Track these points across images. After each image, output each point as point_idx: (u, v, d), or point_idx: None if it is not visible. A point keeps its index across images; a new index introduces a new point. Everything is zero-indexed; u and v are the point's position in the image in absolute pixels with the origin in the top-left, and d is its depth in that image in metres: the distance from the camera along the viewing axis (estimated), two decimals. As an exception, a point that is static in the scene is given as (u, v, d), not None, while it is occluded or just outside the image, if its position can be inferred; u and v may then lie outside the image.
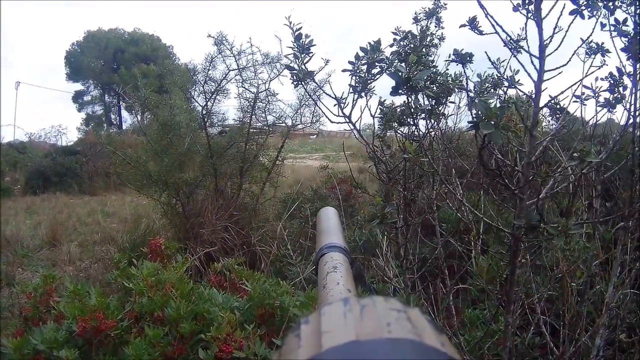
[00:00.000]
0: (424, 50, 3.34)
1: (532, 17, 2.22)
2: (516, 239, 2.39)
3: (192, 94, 7.74)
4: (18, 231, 10.70)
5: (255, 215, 7.50)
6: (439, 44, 4.48)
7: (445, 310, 3.58)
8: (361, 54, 2.67)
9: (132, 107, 43.64)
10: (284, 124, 7.94)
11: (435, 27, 4.48)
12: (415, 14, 4.39)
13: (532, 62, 2.29)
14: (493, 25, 2.33)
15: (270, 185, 8.01)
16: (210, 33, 7.13)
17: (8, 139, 29.06)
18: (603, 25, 2.66)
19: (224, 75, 7.42)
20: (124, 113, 47.64)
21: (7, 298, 6.36)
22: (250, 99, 7.59)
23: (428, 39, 4.13)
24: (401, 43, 3.23)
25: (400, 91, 2.43)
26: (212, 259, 5.71)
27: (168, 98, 7.76)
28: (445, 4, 4.45)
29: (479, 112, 1.82)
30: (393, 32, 3.26)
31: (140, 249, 4.65)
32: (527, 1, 2.23)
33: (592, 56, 2.97)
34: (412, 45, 3.19)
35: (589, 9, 2.27)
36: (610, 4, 2.57)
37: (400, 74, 2.31)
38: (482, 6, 2.26)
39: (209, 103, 7.54)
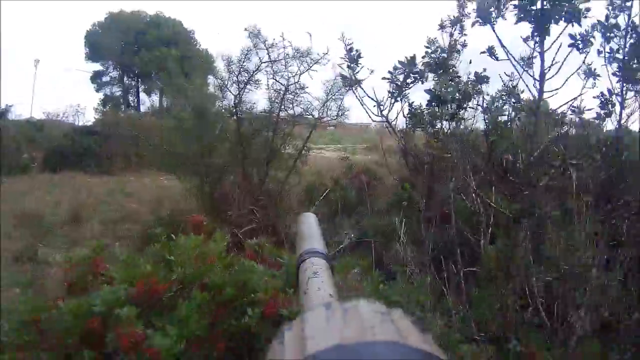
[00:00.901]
0: (450, 62, 3.79)
1: (537, 50, 2.71)
2: (515, 220, 2.87)
3: (226, 83, 8.07)
4: (38, 207, 11.15)
5: (280, 200, 7.95)
6: (462, 50, 4.92)
7: (457, 288, 4.04)
8: (398, 66, 3.17)
9: (151, 89, 43.45)
10: (310, 116, 8.33)
11: (459, 34, 4.92)
12: (441, 21, 4.82)
13: (534, 85, 2.78)
14: (506, 53, 2.82)
15: (295, 174, 8.37)
16: (246, 27, 7.54)
17: (25, 116, 29.29)
18: (599, 52, 3.16)
19: (256, 67, 7.82)
20: (142, 95, 47.95)
21: (32, 271, 6.77)
22: (280, 90, 7.99)
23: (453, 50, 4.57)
24: (432, 55, 3.70)
25: (433, 103, 2.93)
26: (239, 240, 6.15)
27: (199, 84, 8.23)
28: (469, 13, 4.88)
29: (489, 126, 2.30)
30: (425, 46, 3.72)
31: (172, 226, 5.08)
32: (534, 35, 2.71)
33: (586, 79, 3.48)
34: (440, 57, 3.66)
35: (583, 44, 2.76)
36: (608, 34, 3.07)
37: (434, 90, 2.81)
38: (498, 38, 2.76)
39: (241, 92, 7.94)
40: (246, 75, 7.85)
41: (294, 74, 7.88)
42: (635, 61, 3.37)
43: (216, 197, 7.40)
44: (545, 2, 3.19)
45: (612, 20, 3.37)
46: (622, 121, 3.59)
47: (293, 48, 7.66)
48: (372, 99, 3.47)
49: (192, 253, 3.71)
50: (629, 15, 3.47)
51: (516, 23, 3.28)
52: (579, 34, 3.00)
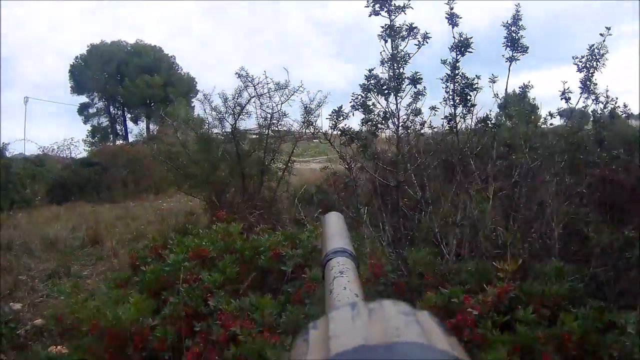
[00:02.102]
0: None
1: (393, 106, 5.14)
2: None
3: (224, 115, 10.52)
4: (57, 234, 12.60)
5: (274, 204, 10.22)
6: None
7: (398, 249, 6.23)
8: (332, 113, 5.51)
9: (138, 117, 44.63)
10: (292, 135, 10.69)
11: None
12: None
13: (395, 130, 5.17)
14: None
15: (283, 183, 10.67)
16: (237, 71, 10.02)
17: (19, 152, 29.86)
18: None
19: (247, 101, 10.23)
20: (129, 123, 49.58)
21: (69, 284, 8.68)
22: (267, 118, 10.35)
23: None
24: (355, 101, 6.02)
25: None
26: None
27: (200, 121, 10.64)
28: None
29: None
30: (351, 95, 6.02)
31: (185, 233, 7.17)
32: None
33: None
34: (360, 101, 5.98)
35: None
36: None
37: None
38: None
39: (236, 121, 10.33)
40: (239, 108, 10.16)
41: (276, 104, 10.18)
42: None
43: (222, 207, 9.53)
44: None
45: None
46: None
47: (274, 83, 10.03)
48: (323, 132, 5.95)
49: (220, 234, 5.92)
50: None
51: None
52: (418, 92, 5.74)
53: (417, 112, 6.15)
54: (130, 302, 4.67)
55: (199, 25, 79.97)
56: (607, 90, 6.87)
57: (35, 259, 10.87)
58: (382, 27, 6.11)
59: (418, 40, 6.05)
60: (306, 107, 9.13)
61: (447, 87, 6.10)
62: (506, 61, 6.33)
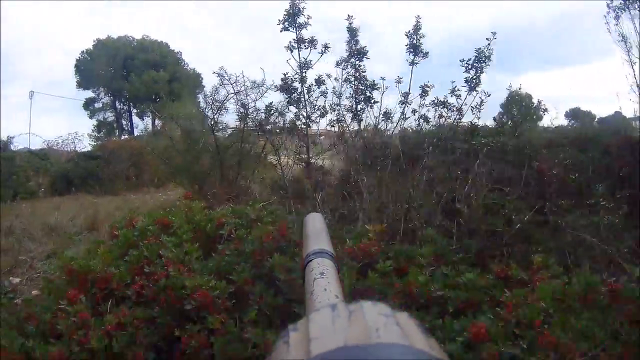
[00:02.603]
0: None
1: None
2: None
3: (205, 110, 11.92)
4: (57, 221, 13.92)
5: (247, 191, 11.43)
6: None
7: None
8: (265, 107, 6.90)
9: (143, 112, 45.27)
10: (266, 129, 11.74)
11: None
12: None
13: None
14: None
15: (259, 173, 11.99)
16: (214, 70, 11.21)
17: (24, 146, 30.31)
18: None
19: (225, 98, 11.42)
20: (135, 119, 50.70)
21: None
22: (243, 113, 11.45)
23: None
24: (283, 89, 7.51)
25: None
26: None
27: (187, 114, 11.96)
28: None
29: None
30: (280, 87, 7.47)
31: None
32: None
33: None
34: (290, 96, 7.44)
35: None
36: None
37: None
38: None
39: (215, 116, 11.65)
40: (218, 104, 11.42)
41: (252, 100, 11.15)
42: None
43: (203, 193, 10.78)
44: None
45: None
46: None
47: (250, 81, 11.07)
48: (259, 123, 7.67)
49: (184, 209, 7.24)
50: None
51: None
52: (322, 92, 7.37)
53: (350, 108, 7.78)
54: (99, 253, 5.99)
55: (205, 22, 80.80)
56: (520, 90, 8.34)
57: (35, 242, 11.90)
58: (293, 39, 8.05)
59: (321, 50, 7.99)
60: (242, 102, 10.73)
61: (351, 87, 7.85)
62: (409, 65, 7.98)
